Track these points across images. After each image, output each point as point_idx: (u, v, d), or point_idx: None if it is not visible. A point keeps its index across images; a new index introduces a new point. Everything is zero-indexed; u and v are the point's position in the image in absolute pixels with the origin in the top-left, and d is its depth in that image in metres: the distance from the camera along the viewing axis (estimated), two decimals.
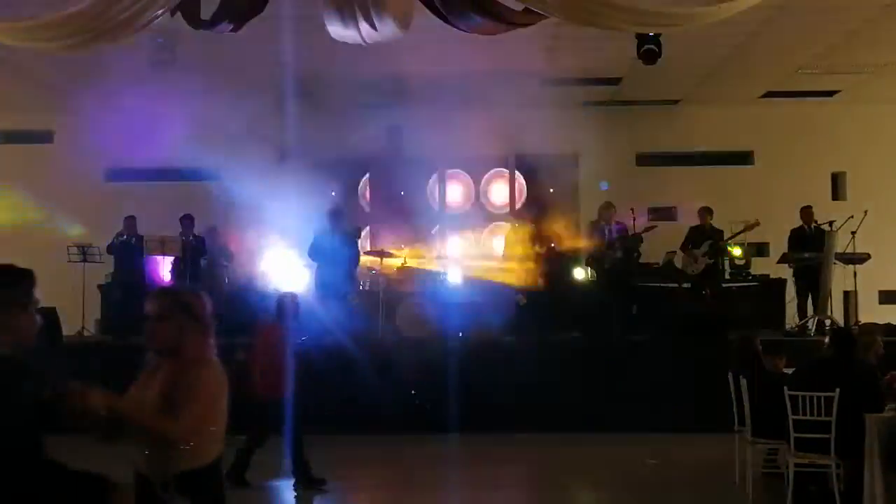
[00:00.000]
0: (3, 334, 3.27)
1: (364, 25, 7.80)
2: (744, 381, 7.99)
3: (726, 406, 8.54)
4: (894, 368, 7.79)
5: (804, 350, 10.23)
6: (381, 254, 13.62)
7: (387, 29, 8.03)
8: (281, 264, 13.77)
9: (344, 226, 12.84)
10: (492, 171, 15.33)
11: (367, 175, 15.38)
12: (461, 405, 10.86)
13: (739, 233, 13.28)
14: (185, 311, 3.81)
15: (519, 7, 7.76)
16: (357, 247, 13.00)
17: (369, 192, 15.43)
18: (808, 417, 7.18)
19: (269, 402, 8.50)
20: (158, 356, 3.85)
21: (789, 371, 8.21)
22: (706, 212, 13.31)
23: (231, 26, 8.04)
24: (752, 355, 8.48)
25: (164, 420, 3.64)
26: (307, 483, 8.62)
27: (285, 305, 8.96)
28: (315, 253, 12.63)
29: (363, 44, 8.33)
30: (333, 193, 14.75)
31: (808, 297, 13.28)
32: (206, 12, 7.95)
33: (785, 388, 7.29)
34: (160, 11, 6.99)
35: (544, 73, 13.38)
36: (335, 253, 12.42)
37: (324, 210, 12.98)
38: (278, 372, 8.44)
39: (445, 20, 8.20)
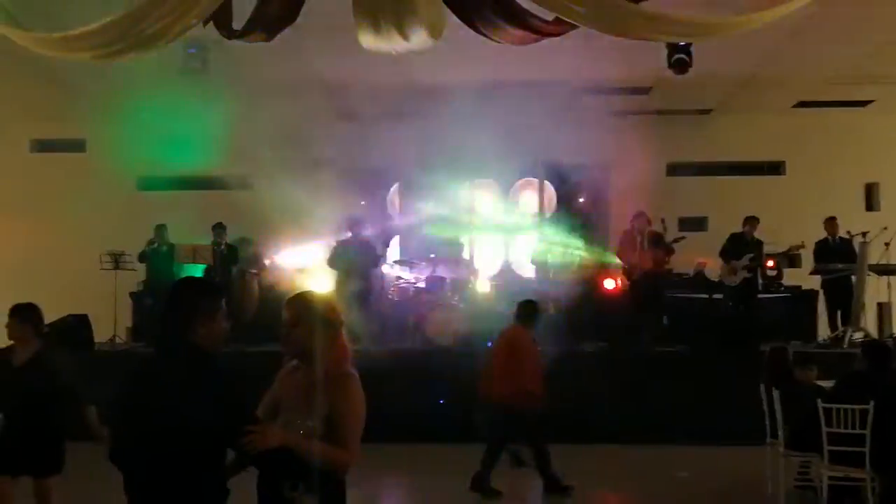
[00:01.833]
0: (209, 340, 3.67)
1: (396, 36, 7.82)
2: (776, 393, 7.92)
3: (758, 418, 8.47)
4: None
5: (837, 362, 10.12)
6: (410, 263, 13.65)
7: (418, 39, 8.05)
8: (312, 272, 13.83)
9: (360, 234, 12.91)
10: (521, 181, 15.30)
11: (397, 184, 15.40)
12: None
13: (784, 253, 13.14)
14: (312, 315, 3.87)
15: (549, 17, 7.75)
16: (376, 255, 13.03)
17: (399, 200, 15.43)
18: (842, 430, 7.11)
19: (513, 409, 8.47)
20: (299, 361, 3.94)
21: (821, 383, 8.14)
22: (752, 221, 13.16)
23: (263, 36, 8.09)
24: (784, 367, 8.42)
25: (335, 452, 3.69)
26: (555, 489, 8.69)
27: (531, 309, 8.93)
28: (334, 261, 12.69)
29: (394, 54, 8.36)
30: (363, 203, 14.77)
31: (837, 308, 13.14)
32: (238, 22, 8.01)
33: (818, 400, 7.23)
34: (193, 22, 7.04)
35: (574, 83, 13.36)
36: (354, 262, 12.50)
37: (343, 219, 13.09)
38: (527, 377, 8.43)
39: (476, 30, 8.21)
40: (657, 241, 12.69)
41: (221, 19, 7.89)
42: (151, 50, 7.28)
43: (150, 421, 3.53)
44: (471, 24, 8.11)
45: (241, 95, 12.39)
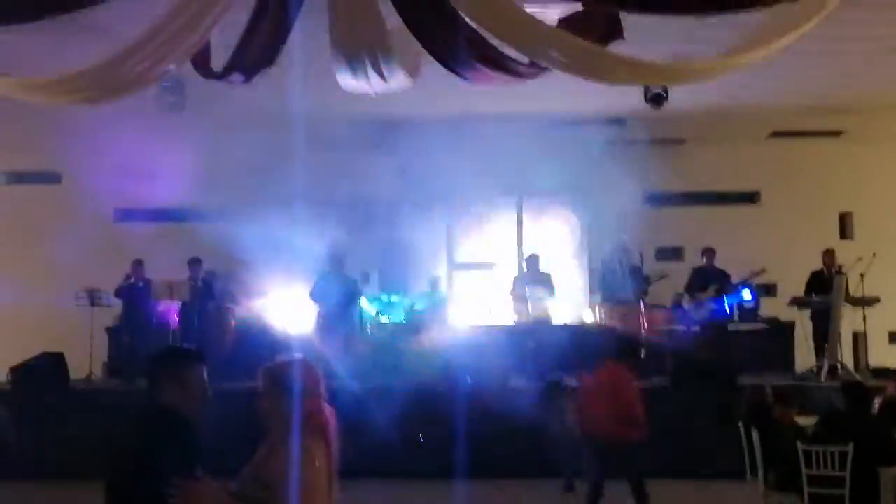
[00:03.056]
0: (181, 402, 3.79)
1: (374, 77, 7.84)
2: (755, 433, 7.93)
3: (737, 453, 8.46)
4: None
5: (816, 397, 10.14)
6: (389, 298, 13.65)
7: (396, 80, 8.07)
8: (289, 305, 13.78)
9: (344, 268, 12.91)
10: (499, 214, 15.30)
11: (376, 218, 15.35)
12: (468, 450, 10.78)
13: (745, 281, 13.15)
14: (276, 385, 3.82)
15: (526, 60, 7.79)
16: (358, 289, 13.02)
17: (378, 235, 15.37)
18: (822, 472, 7.11)
19: (613, 445, 8.39)
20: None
21: (801, 421, 8.16)
22: (709, 253, 13.20)
23: (242, 78, 8.09)
24: (763, 407, 8.43)
25: None
26: None
27: (628, 345, 9.08)
28: (317, 295, 12.68)
29: (372, 95, 8.38)
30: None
31: (824, 340, 13.04)
32: (217, 63, 8.01)
33: (798, 443, 7.24)
34: (172, 67, 7.03)
35: (550, 115, 13.42)
36: (336, 295, 12.50)
37: (325, 253, 13.07)
38: (631, 413, 8.38)
39: (453, 71, 8.24)
40: (636, 273, 12.75)
41: (200, 60, 7.89)
42: (130, 94, 7.27)
43: (113, 474, 3.76)
44: (447, 65, 8.13)
45: (218, 128, 12.34)
